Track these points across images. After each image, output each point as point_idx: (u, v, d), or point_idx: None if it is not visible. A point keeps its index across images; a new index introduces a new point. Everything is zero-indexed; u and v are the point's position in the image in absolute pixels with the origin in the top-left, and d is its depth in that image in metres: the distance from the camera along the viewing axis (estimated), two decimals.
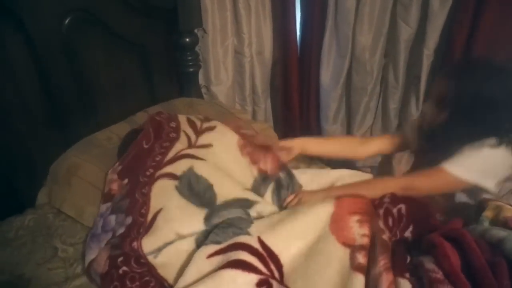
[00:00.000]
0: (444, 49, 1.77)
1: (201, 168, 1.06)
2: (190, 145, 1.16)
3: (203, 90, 2.00)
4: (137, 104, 1.60)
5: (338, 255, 0.85)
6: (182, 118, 1.26)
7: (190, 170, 1.04)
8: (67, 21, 1.31)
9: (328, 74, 2.16)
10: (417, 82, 1.90)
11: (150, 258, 0.90)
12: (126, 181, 1.08)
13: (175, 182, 1.02)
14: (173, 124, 1.19)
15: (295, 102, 2.35)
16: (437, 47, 1.79)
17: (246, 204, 1.02)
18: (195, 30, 1.72)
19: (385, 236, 0.88)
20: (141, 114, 1.57)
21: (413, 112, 1.97)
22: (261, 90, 2.21)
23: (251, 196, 1.07)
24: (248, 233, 0.90)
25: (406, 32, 1.83)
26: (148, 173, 1.05)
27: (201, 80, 1.97)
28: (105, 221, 1.03)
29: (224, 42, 1.98)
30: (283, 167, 1.19)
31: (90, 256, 0.98)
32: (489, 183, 0.96)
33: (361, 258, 0.83)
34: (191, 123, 1.24)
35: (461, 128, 0.95)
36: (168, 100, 1.67)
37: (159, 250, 0.90)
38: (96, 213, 1.11)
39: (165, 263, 0.89)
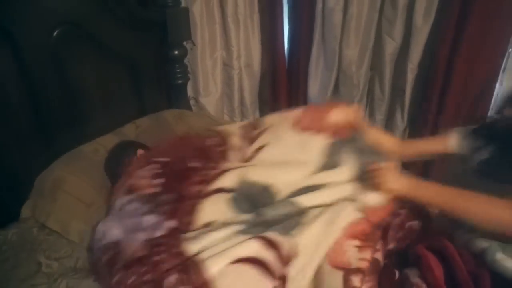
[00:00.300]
0: (428, 63, 1.82)
1: (254, 174, 1.03)
2: (243, 159, 1.15)
3: (192, 102, 2.01)
4: (126, 116, 1.60)
5: (327, 277, 0.86)
6: (234, 129, 1.25)
7: (243, 179, 1.02)
8: (55, 33, 1.31)
9: (316, 87, 2.19)
10: (402, 95, 1.94)
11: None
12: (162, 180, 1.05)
13: (229, 195, 1.00)
14: (221, 148, 1.17)
15: None
16: (421, 61, 1.84)
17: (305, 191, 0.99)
18: (184, 43, 1.74)
19: (378, 255, 0.89)
20: (130, 126, 1.57)
21: (399, 123, 2.00)
22: (250, 102, 2.23)
23: (317, 179, 1.02)
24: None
25: (391, 46, 1.88)
26: (194, 188, 1.02)
27: (190, 91, 1.98)
28: (129, 211, 1.01)
29: (213, 54, 2.00)
30: (353, 129, 1.12)
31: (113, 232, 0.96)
32: None
33: (357, 282, 0.84)
34: (245, 131, 1.23)
35: None
36: (157, 111, 1.67)
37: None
38: (82, 228, 1.10)
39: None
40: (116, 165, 1.24)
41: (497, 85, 1.77)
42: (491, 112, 1.84)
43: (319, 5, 1.95)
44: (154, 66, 1.69)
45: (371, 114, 2.14)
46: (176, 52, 1.66)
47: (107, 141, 1.41)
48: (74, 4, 1.34)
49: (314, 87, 2.19)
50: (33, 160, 1.32)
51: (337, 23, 1.96)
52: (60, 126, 1.41)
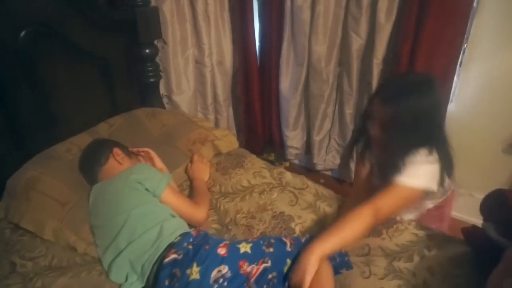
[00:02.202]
0: (392, 58, 1.90)
1: None
2: None
3: (165, 100, 2.03)
4: (98, 115, 1.61)
5: None
6: None
7: None
8: (22, 34, 1.30)
9: (287, 82, 2.25)
10: (369, 89, 2.01)
11: None
12: None
13: None
14: None
15: (256, 110, 2.42)
16: (385, 56, 1.92)
17: None
18: (155, 42, 1.75)
19: None
20: (103, 124, 1.59)
21: None
22: (223, 99, 2.27)
23: None
24: None
25: (357, 43, 1.95)
26: None
27: (162, 90, 2.00)
28: None
29: (185, 52, 2.02)
30: None
31: None
32: (434, 186, 1.07)
33: None
34: None
35: (402, 143, 1.05)
36: (130, 110, 1.69)
37: None
38: (57, 227, 1.11)
39: None
40: (92, 164, 1.26)
41: (455, 78, 1.88)
42: (450, 104, 1.95)
43: (287, 3, 2.00)
44: (125, 65, 1.70)
45: (341, 109, 2.22)
46: (147, 51, 1.68)
47: (80, 140, 1.42)
48: (42, 5, 1.34)
49: (285, 82, 2.25)
50: (3, 162, 1.32)
51: (306, 20, 2.02)
52: (31, 127, 1.41)
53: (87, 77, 1.59)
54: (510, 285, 0.82)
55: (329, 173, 2.51)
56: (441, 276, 1.06)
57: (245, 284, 0.96)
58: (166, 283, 0.97)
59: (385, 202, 1.03)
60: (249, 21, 2.13)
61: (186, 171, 1.48)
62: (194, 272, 0.95)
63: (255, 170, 1.51)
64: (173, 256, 1.00)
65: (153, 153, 1.39)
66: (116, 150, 1.28)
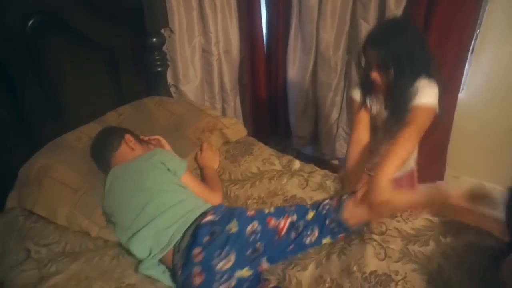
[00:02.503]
0: None
1: None
2: None
3: (172, 89, 2.02)
4: (106, 104, 1.61)
5: None
6: None
7: None
8: (30, 23, 1.30)
9: (295, 71, 2.24)
10: None
11: None
12: None
13: None
14: None
15: (263, 99, 2.41)
16: None
17: None
18: (162, 30, 1.74)
19: None
20: (111, 114, 1.58)
21: None
22: (230, 88, 2.26)
23: None
24: None
25: (366, 30, 1.92)
26: None
27: (169, 79, 1.99)
28: None
29: (191, 41, 2.00)
30: None
31: None
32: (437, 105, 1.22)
33: None
34: None
35: (405, 75, 1.16)
36: (137, 99, 1.68)
37: None
38: (70, 212, 1.12)
39: None
40: (104, 149, 1.26)
41: (466, 65, 1.85)
42: (461, 92, 1.92)
43: None
44: (132, 54, 1.69)
45: (349, 98, 2.20)
46: (154, 39, 1.66)
47: (90, 130, 1.42)
48: None
49: (292, 71, 2.23)
50: (14, 153, 1.33)
51: (314, 6, 1.99)
52: (40, 117, 1.41)
53: (93, 67, 1.59)
54: None
55: (336, 162, 2.50)
56: (456, 262, 1.07)
57: (276, 237, 1.08)
58: (205, 239, 1.02)
59: (418, 123, 1.17)
60: (256, 8, 2.11)
61: (196, 159, 1.48)
62: (233, 226, 1.05)
63: (264, 157, 1.50)
64: (210, 217, 1.08)
65: (164, 141, 1.40)
66: (128, 136, 1.30)
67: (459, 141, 2.02)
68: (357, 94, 1.33)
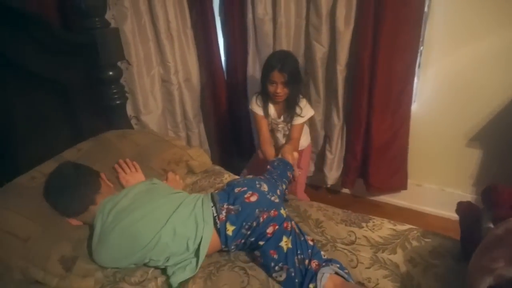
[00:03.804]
0: (354, 63, 1.97)
1: None
2: None
3: (133, 121, 1.99)
4: (63, 142, 1.54)
5: None
6: None
7: None
8: None
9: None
10: (336, 95, 2.07)
11: None
12: None
13: None
14: None
15: (227, 123, 2.42)
16: (347, 63, 1.98)
17: None
18: (118, 63, 1.72)
19: None
20: (70, 150, 1.51)
21: (336, 122, 2.13)
22: (193, 115, 2.25)
23: None
24: None
25: (320, 51, 2.00)
26: None
27: (130, 111, 1.96)
28: None
29: (150, 72, 2.00)
30: None
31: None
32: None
33: None
34: None
35: (296, 90, 1.82)
36: (97, 134, 1.63)
37: None
38: (23, 266, 1.04)
39: None
40: (86, 191, 1.22)
41: (416, 79, 1.96)
42: (413, 105, 2.03)
43: (249, 16, 2.04)
44: (87, 89, 1.64)
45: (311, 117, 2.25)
46: (110, 73, 1.64)
47: (45, 168, 1.35)
48: None
49: (254, 95, 2.26)
50: None
51: (268, 32, 2.06)
52: None
53: (47, 104, 1.52)
54: (489, 259, 0.86)
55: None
56: (423, 267, 1.12)
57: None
58: (240, 183, 1.31)
59: (300, 134, 1.91)
60: (212, 36, 2.15)
61: None
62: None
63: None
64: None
65: (137, 166, 1.48)
66: (102, 174, 1.32)
67: (418, 150, 2.12)
68: (257, 109, 1.88)
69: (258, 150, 2.07)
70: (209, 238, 1.16)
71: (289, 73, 1.72)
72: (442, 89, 1.97)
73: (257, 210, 1.17)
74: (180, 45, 2.09)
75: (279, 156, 1.73)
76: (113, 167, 1.44)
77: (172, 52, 2.05)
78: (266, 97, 1.85)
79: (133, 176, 1.43)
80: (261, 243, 1.13)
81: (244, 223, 1.16)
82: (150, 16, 1.94)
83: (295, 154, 1.80)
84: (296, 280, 1.07)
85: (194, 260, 1.15)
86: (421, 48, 1.90)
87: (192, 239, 1.15)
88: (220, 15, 2.18)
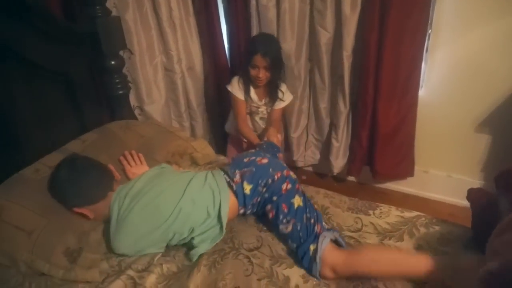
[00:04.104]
0: (361, 49, 1.93)
1: None
2: None
3: (137, 111, 1.97)
4: (66, 133, 1.54)
5: None
6: None
7: None
8: None
9: None
10: (342, 82, 2.03)
11: None
12: None
13: None
14: None
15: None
16: (354, 48, 1.94)
17: None
18: (121, 52, 1.70)
19: None
20: (74, 142, 1.51)
21: (342, 109, 2.10)
22: (196, 105, 2.23)
23: None
24: None
25: (325, 37, 1.96)
26: None
27: (133, 101, 1.95)
28: None
29: (153, 61, 1.97)
30: None
31: None
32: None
33: None
34: None
35: (277, 74, 1.87)
36: (100, 125, 1.63)
37: None
38: (27, 259, 1.04)
39: None
40: (98, 189, 1.22)
41: (423, 64, 1.92)
42: (421, 90, 1.99)
43: (252, 2, 2.00)
44: (91, 79, 1.64)
45: (315, 104, 2.23)
46: (112, 62, 1.62)
47: (50, 160, 1.35)
48: None
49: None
50: None
51: (272, 18, 2.02)
52: None
53: (50, 95, 1.51)
54: (499, 242, 0.85)
55: (310, 168, 2.52)
56: (431, 254, 1.09)
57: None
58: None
59: (280, 117, 2.05)
60: (215, 23, 2.12)
61: None
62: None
63: None
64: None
65: (143, 158, 1.48)
66: (110, 166, 1.33)
67: (425, 136, 2.09)
68: (238, 93, 1.89)
69: (229, 144, 2.18)
70: (227, 201, 1.22)
71: (272, 58, 1.75)
72: (450, 74, 1.92)
73: (270, 169, 1.26)
74: (182, 33, 2.06)
75: (265, 139, 1.77)
76: (118, 159, 1.44)
77: (175, 40, 2.03)
78: (248, 80, 1.87)
79: (139, 169, 1.43)
80: (274, 198, 1.21)
81: (260, 181, 1.24)
82: (152, 4, 1.91)
83: (279, 136, 1.86)
84: (300, 234, 1.13)
85: (217, 226, 1.21)
86: (429, 31, 1.85)
87: (211, 205, 1.21)
88: (223, 2, 2.15)
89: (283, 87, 1.92)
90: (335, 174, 2.32)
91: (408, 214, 1.28)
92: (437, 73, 1.96)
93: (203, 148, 1.68)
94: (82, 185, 1.19)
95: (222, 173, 1.30)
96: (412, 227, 1.21)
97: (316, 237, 1.10)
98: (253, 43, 1.78)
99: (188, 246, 1.19)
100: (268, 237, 1.23)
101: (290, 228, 1.15)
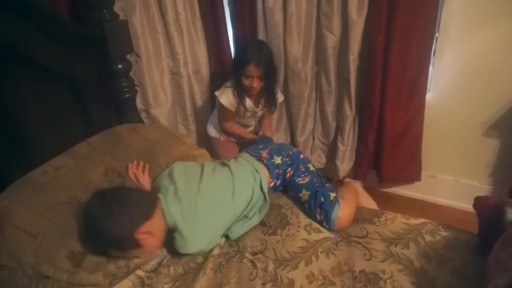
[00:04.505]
0: (367, 52, 1.92)
1: None
2: None
3: (143, 115, 1.98)
4: (73, 136, 1.55)
5: None
6: None
7: None
8: None
9: None
10: (348, 85, 2.02)
11: None
12: None
13: None
14: None
15: None
16: (360, 52, 1.93)
17: None
18: (128, 56, 1.71)
19: None
20: (81, 144, 1.52)
21: (348, 113, 2.09)
22: (203, 108, 2.24)
23: None
24: None
25: (331, 40, 1.96)
26: None
27: (139, 104, 1.96)
28: None
29: (159, 64, 1.98)
30: None
31: None
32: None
33: None
34: None
35: (272, 83, 1.89)
36: (107, 128, 1.64)
37: None
38: (33, 262, 1.05)
39: None
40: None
41: (430, 67, 1.90)
42: (428, 93, 1.97)
43: (259, 5, 2.00)
44: (98, 82, 1.65)
45: (321, 108, 2.22)
46: (119, 66, 1.64)
47: (58, 162, 1.37)
48: (2, 26, 1.28)
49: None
50: None
51: (279, 21, 2.01)
52: (2, 156, 1.34)
53: (57, 98, 1.52)
54: (506, 255, 0.84)
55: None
56: (438, 262, 1.10)
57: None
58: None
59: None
60: (222, 27, 2.12)
61: None
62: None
63: None
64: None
65: (147, 169, 1.47)
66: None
67: (432, 140, 2.07)
68: (230, 105, 1.87)
69: (219, 147, 2.11)
70: (264, 174, 1.40)
71: (265, 67, 1.74)
72: (457, 77, 1.91)
73: (288, 145, 1.57)
74: (189, 36, 2.07)
75: (260, 133, 1.89)
76: (126, 166, 1.44)
77: (182, 44, 2.03)
78: (242, 90, 1.84)
79: (143, 178, 1.43)
80: (294, 162, 1.46)
81: (284, 153, 1.48)
82: (158, 8, 1.92)
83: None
84: (317, 184, 1.37)
85: (262, 197, 1.37)
86: (437, 34, 1.84)
87: (254, 181, 1.36)
88: (229, 5, 2.15)
89: (278, 92, 1.93)
90: (341, 178, 2.31)
91: (414, 221, 1.27)
92: (445, 76, 1.94)
93: (204, 157, 1.66)
94: (131, 203, 1.13)
95: (248, 154, 1.49)
96: (417, 235, 1.20)
97: (332, 190, 1.35)
98: (244, 53, 1.74)
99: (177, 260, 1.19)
100: (272, 240, 1.23)
101: (307, 179, 1.38)
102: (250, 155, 1.49)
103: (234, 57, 1.77)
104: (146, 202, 1.18)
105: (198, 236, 1.18)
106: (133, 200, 1.15)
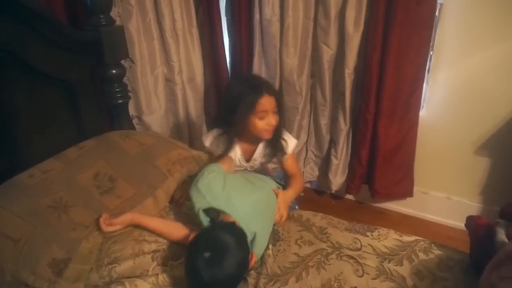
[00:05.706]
0: (363, 67, 1.93)
1: None
2: None
3: (135, 121, 1.96)
4: (65, 140, 1.51)
5: None
6: None
7: None
8: None
9: None
10: (343, 99, 2.03)
11: None
12: None
13: None
14: None
15: None
16: (356, 66, 1.94)
17: None
18: (122, 61, 1.70)
19: None
20: (72, 148, 1.48)
21: (342, 126, 2.09)
22: (196, 116, 2.22)
23: None
24: None
25: (327, 54, 1.96)
26: None
27: (132, 110, 1.93)
28: None
29: (154, 71, 1.97)
30: None
31: None
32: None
33: None
34: None
35: (281, 123, 1.41)
36: (99, 133, 1.61)
37: None
38: (13, 269, 1.01)
39: None
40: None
41: (424, 84, 1.92)
42: (422, 110, 1.98)
43: (256, 17, 2.00)
44: (91, 87, 1.63)
45: (316, 120, 2.22)
46: (113, 71, 1.61)
47: (46, 166, 1.33)
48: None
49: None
50: None
51: (275, 33, 2.02)
52: None
53: (50, 102, 1.50)
54: (497, 277, 0.83)
55: (308, 185, 2.49)
56: (430, 280, 1.09)
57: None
58: None
59: (297, 166, 1.63)
60: (218, 36, 2.12)
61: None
62: None
63: None
64: None
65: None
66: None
67: (425, 157, 2.07)
68: (216, 149, 1.49)
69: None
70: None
71: (276, 94, 1.37)
72: (451, 95, 1.92)
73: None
74: (185, 44, 2.06)
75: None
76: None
77: (177, 51, 2.02)
78: (233, 137, 1.43)
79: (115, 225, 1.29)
80: None
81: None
82: (155, 14, 1.91)
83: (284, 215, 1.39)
84: None
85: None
86: (431, 52, 1.86)
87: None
88: (226, 15, 2.15)
89: (286, 134, 1.48)
90: (333, 191, 2.30)
91: (407, 238, 1.26)
92: (438, 94, 1.96)
93: (202, 160, 1.62)
94: (237, 236, 1.07)
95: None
96: (411, 252, 1.19)
97: None
98: (247, 88, 1.32)
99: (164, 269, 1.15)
100: (264, 255, 1.20)
101: None
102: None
103: (228, 102, 1.36)
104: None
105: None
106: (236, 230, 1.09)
